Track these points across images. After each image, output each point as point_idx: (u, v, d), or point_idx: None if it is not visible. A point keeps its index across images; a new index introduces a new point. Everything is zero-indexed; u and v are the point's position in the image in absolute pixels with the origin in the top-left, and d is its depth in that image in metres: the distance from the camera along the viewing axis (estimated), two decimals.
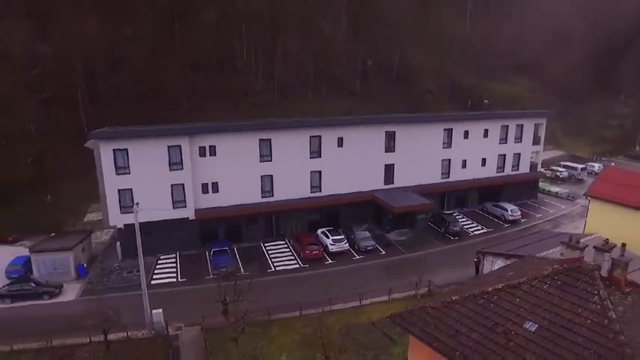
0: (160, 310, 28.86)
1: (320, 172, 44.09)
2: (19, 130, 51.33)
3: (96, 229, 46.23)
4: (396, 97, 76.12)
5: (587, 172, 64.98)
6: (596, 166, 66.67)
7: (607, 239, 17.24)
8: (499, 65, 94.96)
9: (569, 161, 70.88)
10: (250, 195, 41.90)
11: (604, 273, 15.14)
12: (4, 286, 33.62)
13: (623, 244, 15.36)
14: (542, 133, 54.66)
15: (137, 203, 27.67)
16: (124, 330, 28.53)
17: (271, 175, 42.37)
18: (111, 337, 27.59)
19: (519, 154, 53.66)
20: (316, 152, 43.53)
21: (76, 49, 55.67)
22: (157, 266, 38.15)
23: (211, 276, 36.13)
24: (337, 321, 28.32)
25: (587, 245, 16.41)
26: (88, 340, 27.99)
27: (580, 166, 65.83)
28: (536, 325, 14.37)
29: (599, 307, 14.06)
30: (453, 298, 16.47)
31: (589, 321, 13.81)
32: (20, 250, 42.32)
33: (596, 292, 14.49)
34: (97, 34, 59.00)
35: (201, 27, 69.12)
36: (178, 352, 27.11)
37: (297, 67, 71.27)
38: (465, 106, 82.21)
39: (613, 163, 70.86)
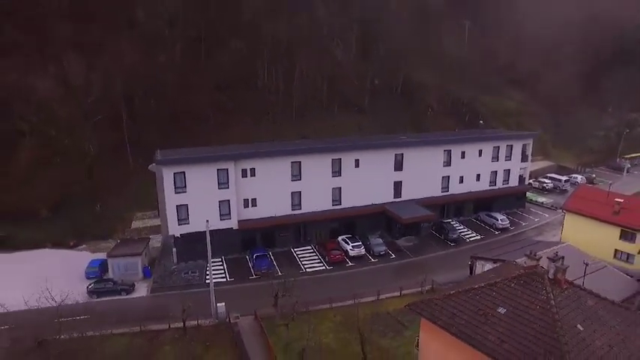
0: (223, 303, 36.78)
1: (340, 188, 52.06)
2: (76, 149, 59.13)
3: (143, 235, 53.36)
4: (400, 112, 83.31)
5: (571, 184, 71.31)
6: (579, 178, 73.25)
7: (557, 252, 25.25)
8: (495, 81, 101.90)
9: (556, 172, 77.38)
10: (283, 208, 49.77)
11: (551, 275, 23.00)
12: (90, 285, 41.52)
13: (562, 257, 23.25)
14: (529, 152, 62.57)
15: (207, 220, 35.44)
16: (195, 319, 36.25)
17: (300, 192, 50.25)
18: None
19: (509, 170, 61.65)
20: (337, 172, 51.44)
21: (121, 76, 63.26)
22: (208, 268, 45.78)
23: (254, 276, 44.07)
24: (362, 311, 36.10)
25: (541, 257, 24.32)
26: (168, 326, 35.87)
27: (564, 178, 72.53)
28: (505, 309, 22.27)
29: (545, 297, 21.90)
30: (451, 293, 24.35)
31: (538, 307, 21.61)
32: (83, 255, 50.26)
33: (544, 289, 22.33)
34: (137, 62, 66.65)
35: (226, 51, 76.41)
36: (240, 335, 34.97)
37: (312, 87, 78.42)
38: (462, 120, 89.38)
39: (594, 175, 78.05)
